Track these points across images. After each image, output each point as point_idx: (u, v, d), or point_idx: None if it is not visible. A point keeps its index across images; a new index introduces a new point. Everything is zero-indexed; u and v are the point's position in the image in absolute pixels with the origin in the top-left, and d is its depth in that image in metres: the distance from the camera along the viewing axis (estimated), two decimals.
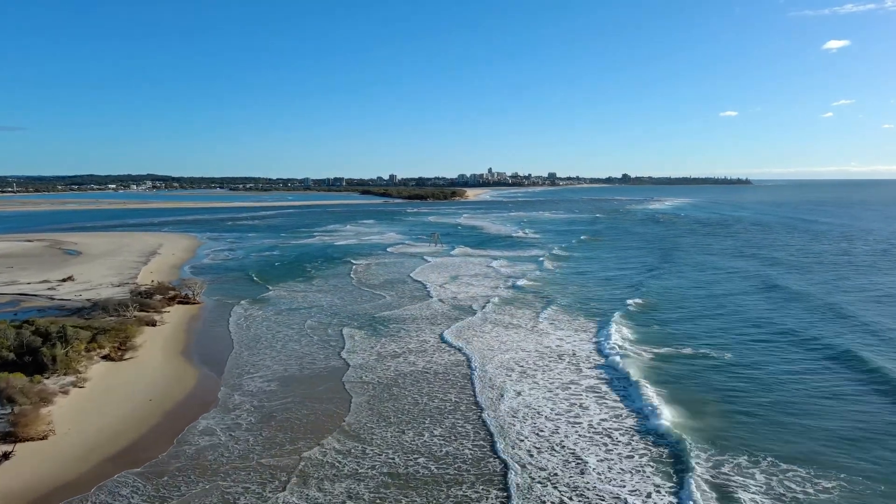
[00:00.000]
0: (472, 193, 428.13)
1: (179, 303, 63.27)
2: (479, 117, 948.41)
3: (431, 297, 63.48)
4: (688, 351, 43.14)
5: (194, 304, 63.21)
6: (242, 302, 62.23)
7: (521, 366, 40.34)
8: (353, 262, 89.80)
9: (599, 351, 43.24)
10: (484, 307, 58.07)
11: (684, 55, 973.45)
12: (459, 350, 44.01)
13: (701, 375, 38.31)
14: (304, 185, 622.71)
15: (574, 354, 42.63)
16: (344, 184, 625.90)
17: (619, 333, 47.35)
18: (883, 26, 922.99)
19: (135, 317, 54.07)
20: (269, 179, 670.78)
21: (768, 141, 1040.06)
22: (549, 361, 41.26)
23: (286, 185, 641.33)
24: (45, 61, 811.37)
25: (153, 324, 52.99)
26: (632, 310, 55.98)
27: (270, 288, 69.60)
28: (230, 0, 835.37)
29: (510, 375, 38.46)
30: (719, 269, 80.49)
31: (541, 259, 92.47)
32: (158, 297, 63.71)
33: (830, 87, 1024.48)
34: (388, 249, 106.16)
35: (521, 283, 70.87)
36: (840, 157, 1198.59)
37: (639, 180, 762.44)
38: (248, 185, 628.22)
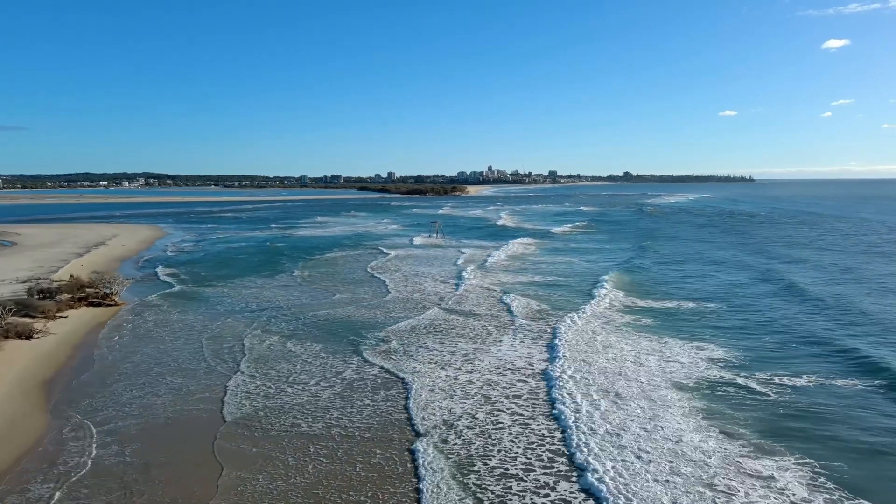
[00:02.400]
0: (473, 190, 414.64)
1: (90, 304, 48.14)
2: (479, 116, 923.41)
3: (389, 294, 50.01)
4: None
5: (110, 305, 48.14)
6: (167, 304, 47.23)
7: (469, 401, 25.33)
8: (321, 255, 75.01)
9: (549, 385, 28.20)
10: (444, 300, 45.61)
11: (686, 56, 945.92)
12: (402, 382, 28.90)
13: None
14: (301, 183, 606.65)
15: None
16: (341, 181, 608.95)
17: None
18: (883, 26, 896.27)
19: (6, 325, 38.81)
20: (266, 177, 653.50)
21: (768, 140, 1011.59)
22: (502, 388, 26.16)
23: (282, 182, 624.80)
24: (47, 62, 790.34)
25: (28, 336, 37.63)
26: (632, 312, 41.10)
27: (216, 285, 54.51)
28: (228, 0, 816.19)
29: (457, 413, 23.49)
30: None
31: (519, 250, 79.56)
32: (66, 296, 48.79)
33: (830, 87, 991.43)
34: (367, 242, 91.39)
35: (484, 281, 55.99)
36: (840, 157, 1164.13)
37: (641, 178, 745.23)
38: (243, 183, 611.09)
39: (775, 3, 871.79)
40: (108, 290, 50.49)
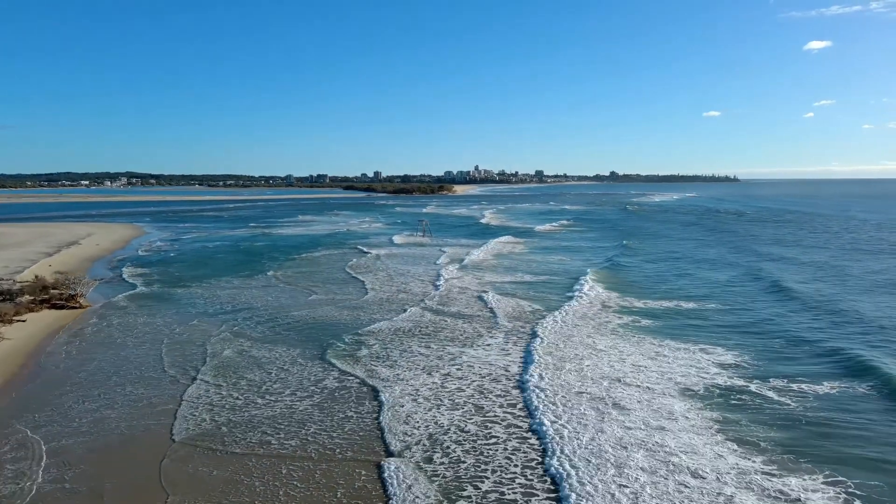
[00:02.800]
0: (460, 189, 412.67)
1: (53, 306, 45.20)
2: (467, 116, 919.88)
3: (368, 294, 47.56)
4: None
5: (75, 307, 45.21)
6: (135, 305, 44.42)
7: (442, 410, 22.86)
8: (301, 255, 72.16)
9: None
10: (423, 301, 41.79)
11: (671, 58, 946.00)
12: (385, 392, 26.50)
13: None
14: (287, 182, 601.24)
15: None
16: (328, 181, 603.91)
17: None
18: (864, 27, 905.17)
19: None
20: (251, 177, 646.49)
21: (751, 141, 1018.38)
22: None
23: (268, 182, 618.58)
24: (31, 61, 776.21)
25: None
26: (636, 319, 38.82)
27: (190, 285, 51.60)
28: (215, 2, 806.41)
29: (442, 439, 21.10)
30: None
31: (503, 248, 77.43)
32: (27, 297, 45.79)
33: (812, 88, 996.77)
34: (349, 241, 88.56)
35: (466, 280, 53.56)
36: (822, 157, 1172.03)
37: (627, 177, 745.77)
38: (227, 182, 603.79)
39: (758, 5, 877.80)
40: (72, 292, 47.59)
